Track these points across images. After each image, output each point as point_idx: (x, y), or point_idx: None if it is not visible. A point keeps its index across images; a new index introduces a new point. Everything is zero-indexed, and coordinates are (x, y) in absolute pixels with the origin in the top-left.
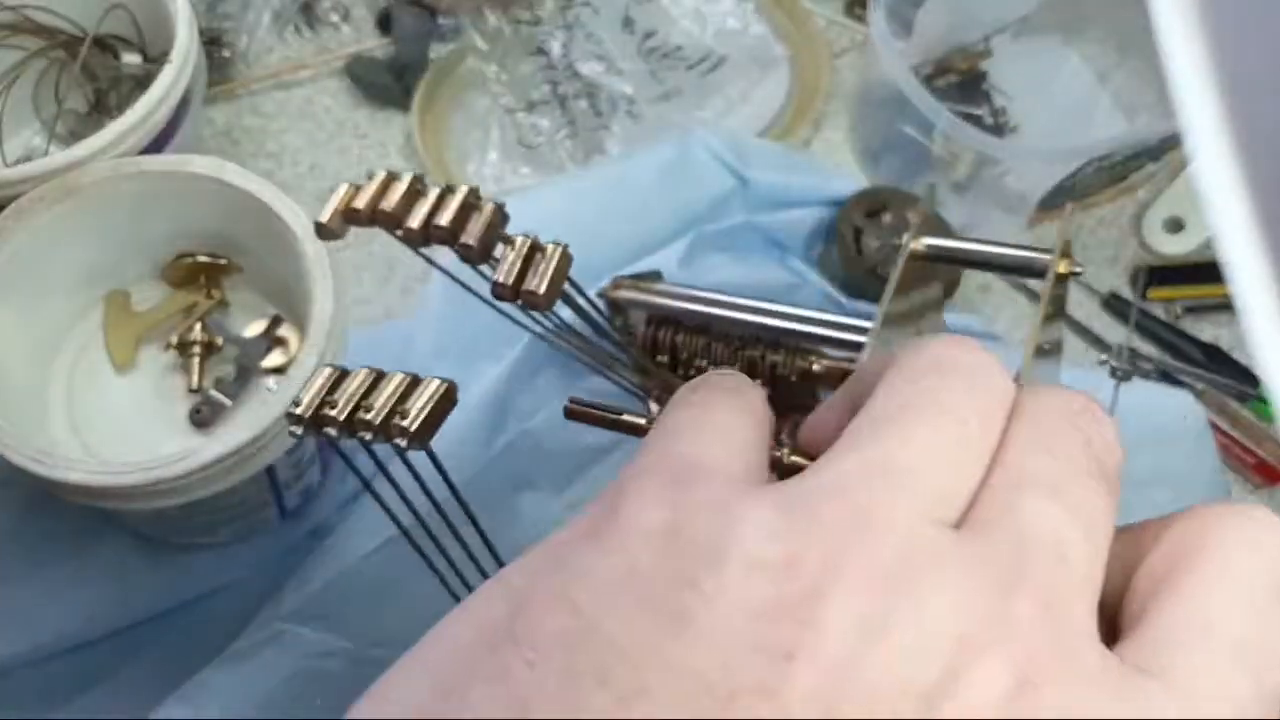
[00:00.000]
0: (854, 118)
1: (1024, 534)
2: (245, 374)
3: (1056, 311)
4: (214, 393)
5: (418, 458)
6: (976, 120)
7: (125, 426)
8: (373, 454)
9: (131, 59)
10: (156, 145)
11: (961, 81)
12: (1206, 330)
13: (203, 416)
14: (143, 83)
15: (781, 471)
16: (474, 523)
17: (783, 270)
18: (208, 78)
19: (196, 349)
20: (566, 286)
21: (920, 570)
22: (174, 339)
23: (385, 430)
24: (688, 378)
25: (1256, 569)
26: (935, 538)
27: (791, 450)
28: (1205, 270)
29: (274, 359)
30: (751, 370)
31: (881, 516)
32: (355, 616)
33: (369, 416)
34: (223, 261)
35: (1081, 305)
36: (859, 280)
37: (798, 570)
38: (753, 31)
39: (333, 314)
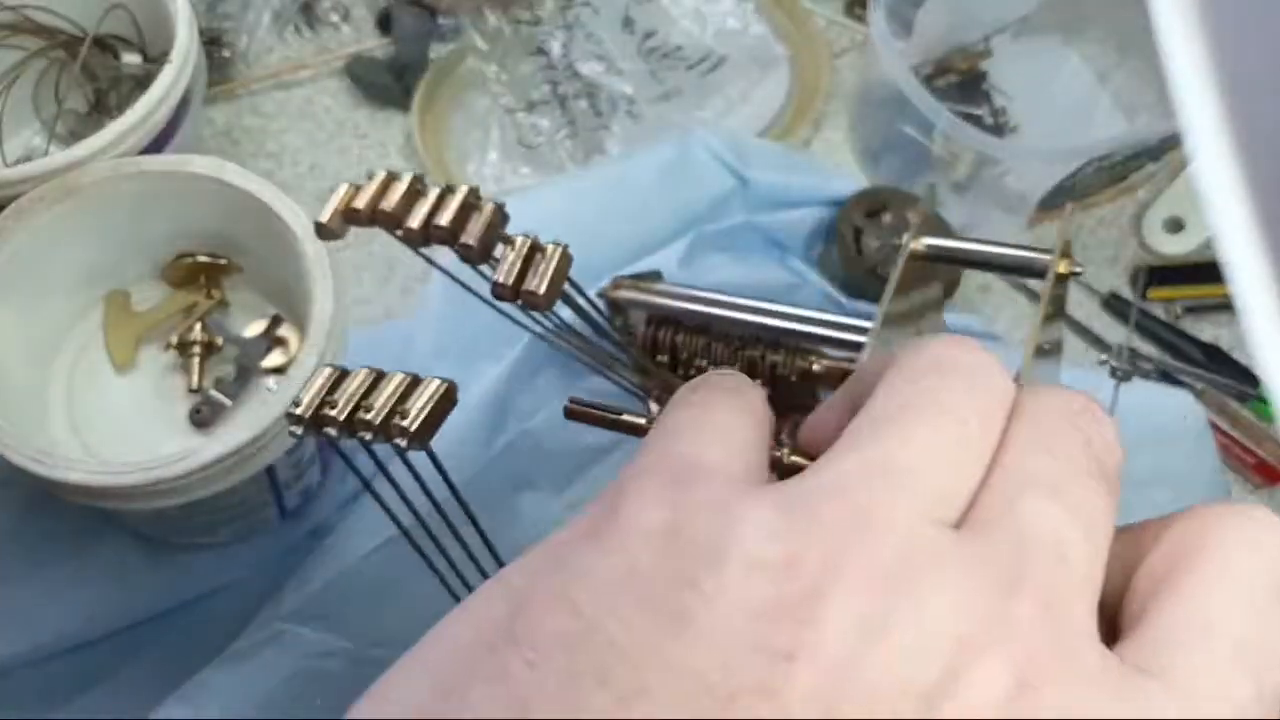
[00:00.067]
0: (854, 118)
1: (1024, 534)
2: (245, 374)
3: (1057, 311)
4: (214, 393)
5: (418, 458)
6: (976, 120)
7: (125, 426)
8: (373, 454)
9: (131, 59)
10: (156, 145)
11: (961, 81)
12: (1206, 330)
13: (203, 416)
14: (143, 83)
15: (781, 471)
16: (474, 522)
17: (783, 270)
18: (208, 78)
19: (196, 349)
20: (567, 287)
21: (920, 570)
22: (174, 339)
23: (385, 430)
24: (688, 377)
25: (1257, 569)
26: (935, 538)
27: (791, 450)
28: (1205, 270)
29: (274, 359)
30: (751, 370)
31: (881, 516)
32: (355, 616)
33: (369, 416)
34: (223, 261)
35: (1081, 305)
36: (859, 280)
37: (798, 570)
38: (753, 31)
39: (333, 314)
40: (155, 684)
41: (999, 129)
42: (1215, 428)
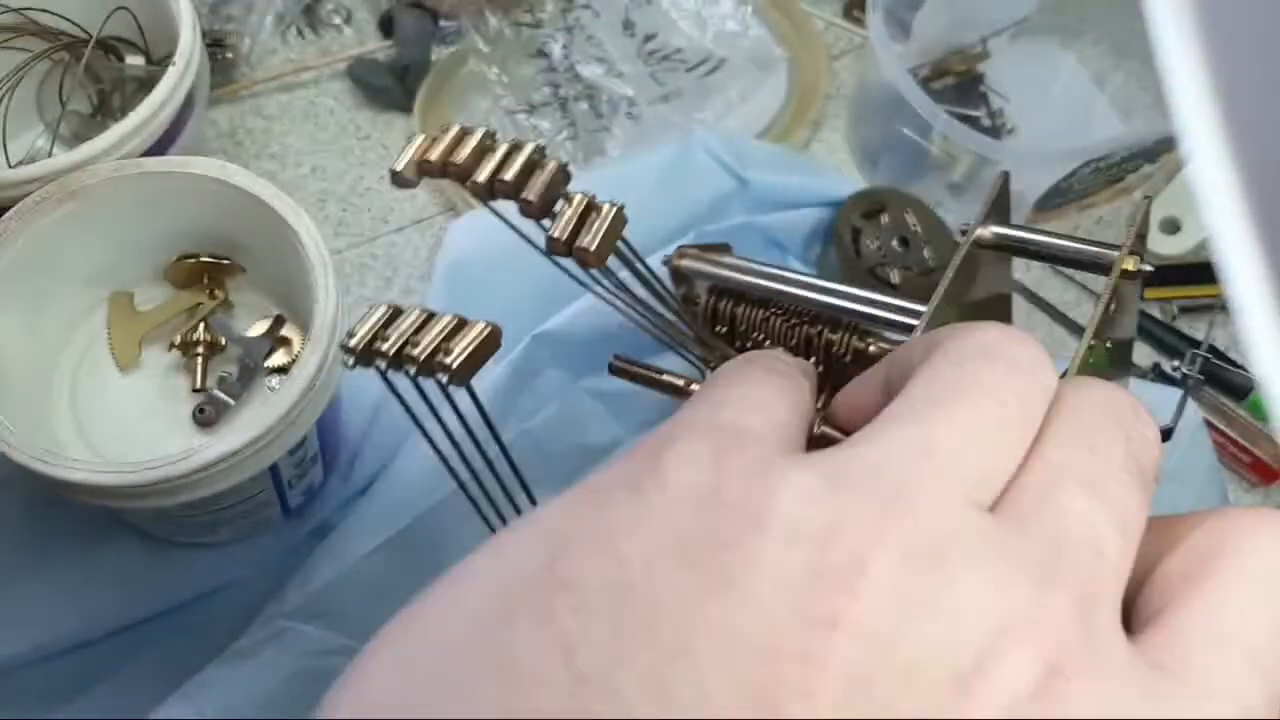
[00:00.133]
0: (852, 119)
1: (1063, 527)
2: (248, 373)
3: (1126, 308)
4: (217, 392)
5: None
6: (974, 122)
7: (129, 426)
8: (419, 387)
9: (135, 61)
10: (160, 147)
11: (959, 83)
12: (1203, 330)
13: (206, 416)
14: (146, 85)
15: (811, 442)
16: (513, 469)
17: None
18: (211, 80)
19: (200, 349)
20: (620, 246)
21: (959, 552)
22: (177, 339)
23: (429, 366)
24: (743, 350)
25: (1276, 575)
26: (974, 520)
27: (822, 420)
28: (1201, 270)
29: (277, 359)
30: (807, 346)
31: (922, 495)
32: (357, 615)
33: (415, 352)
34: (226, 262)
35: (1079, 305)
36: (857, 281)
37: (837, 540)
38: (752, 34)
39: (335, 314)
40: (156, 683)
41: (996, 130)
42: (1211, 427)
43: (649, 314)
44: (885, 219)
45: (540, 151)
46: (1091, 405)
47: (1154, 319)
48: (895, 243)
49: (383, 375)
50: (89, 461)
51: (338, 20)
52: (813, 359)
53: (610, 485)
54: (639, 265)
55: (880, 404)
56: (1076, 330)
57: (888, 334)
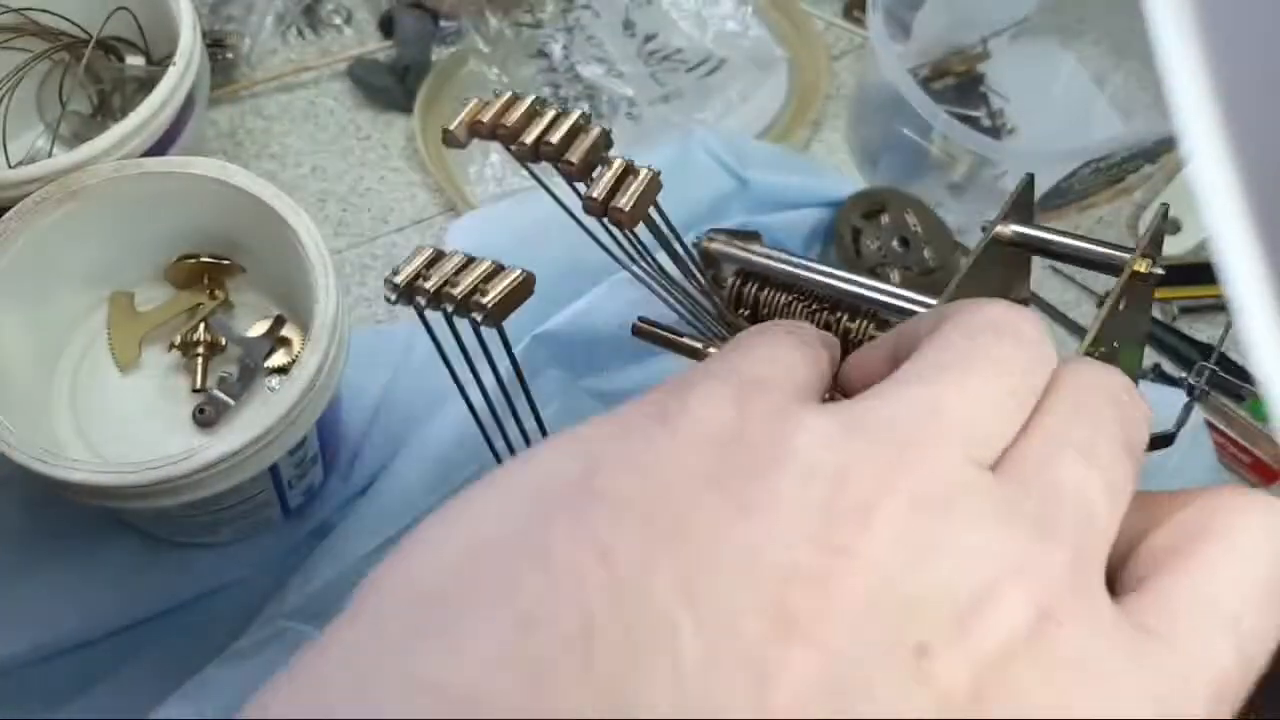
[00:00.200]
0: (852, 119)
1: (1059, 489)
2: (248, 374)
3: (1139, 308)
4: (217, 392)
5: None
6: (974, 122)
7: (129, 426)
8: (452, 325)
9: (135, 61)
10: (160, 147)
11: (959, 83)
12: (1203, 330)
13: (206, 416)
14: (146, 85)
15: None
16: (534, 412)
17: None
18: (211, 80)
19: (200, 349)
20: (652, 212)
21: (962, 502)
22: (177, 339)
23: (466, 305)
24: None
25: (1261, 555)
26: (977, 476)
27: (833, 385)
28: (1201, 271)
29: (277, 359)
30: (826, 331)
31: (930, 448)
32: None
33: (455, 292)
34: (226, 262)
35: (1079, 305)
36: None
37: (850, 481)
38: (752, 34)
39: (335, 314)
40: (156, 683)
41: (996, 131)
42: (1211, 427)
43: (677, 291)
44: (885, 219)
45: (585, 118)
46: (1089, 382)
47: (1155, 320)
48: (895, 243)
49: (420, 314)
50: (89, 461)
51: (338, 20)
52: None
53: (639, 415)
54: (676, 244)
55: (887, 371)
56: (1077, 330)
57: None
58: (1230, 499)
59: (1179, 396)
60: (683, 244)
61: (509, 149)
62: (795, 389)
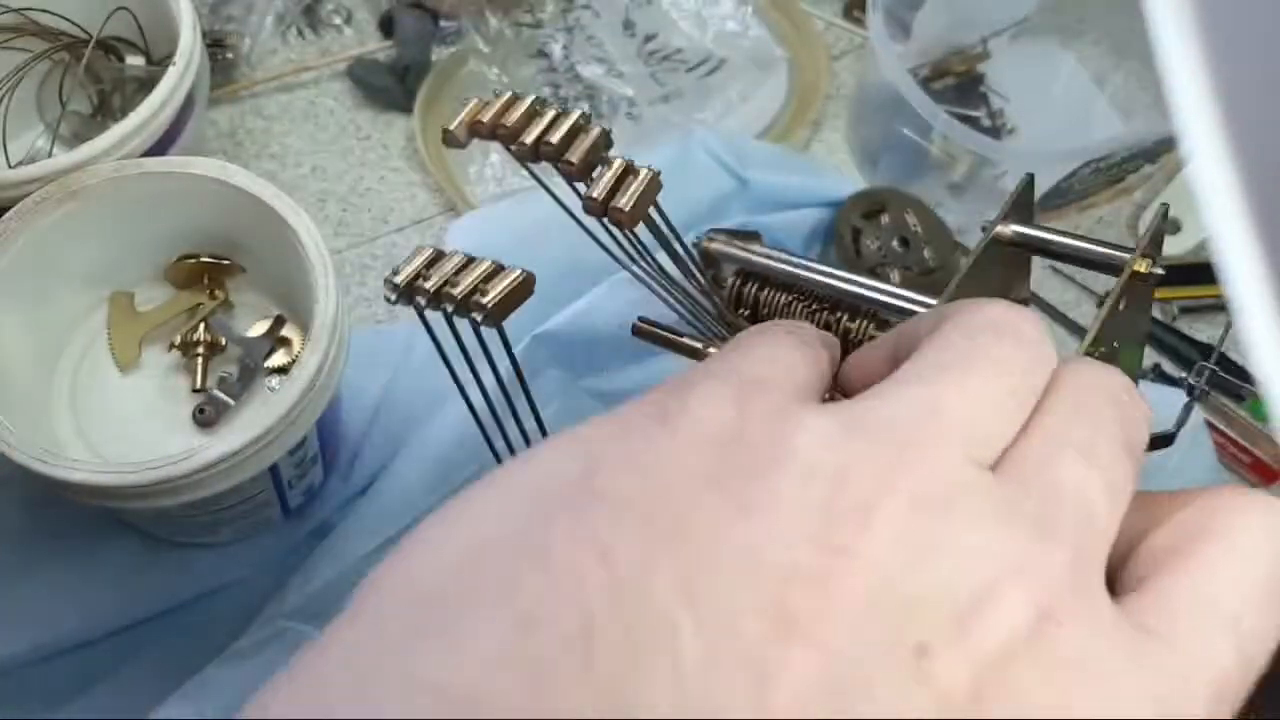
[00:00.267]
0: (852, 119)
1: (1059, 489)
2: (248, 374)
3: (1139, 308)
4: (217, 393)
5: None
6: (974, 122)
7: (129, 426)
8: (452, 325)
9: (135, 61)
10: (160, 147)
11: (959, 83)
12: (1203, 330)
13: (206, 416)
14: (146, 85)
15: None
16: (533, 410)
17: None
18: (211, 80)
19: (200, 349)
20: (652, 212)
21: (962, 502)
22: (177, 339)
23: (465, 305)
24: None
25: (1261, 556)
26: (977, 476)
27: (833, 385)
28: (1201, 271)
29: (277, 359)
30: (826, 332)
31: (930, 448)
32: None
33: (454, 292)
34: (226, 262)
35: (1079, 305)
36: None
37: (850, 481)
38: (752, 34)
39: (335, 314)
40: (156, 683)
41: (996, 131)
42: (1211, 427)
43: (677, 291)
44: (885, 219)
45: (585, 118)
46: (1089, 382)
47: (1155, 320)
48: (895, 243)
49: (420, 314)
50: (89, 461)
51: (338, 20)
52: None
53: (638, 415)
54: (676, 244)
55: (887, 371)
56: (1077, 330)
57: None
58: (1230, 499)
59: (1179, 396)
60: (683, 244)
61: (509, 149)
62: (795, 389)
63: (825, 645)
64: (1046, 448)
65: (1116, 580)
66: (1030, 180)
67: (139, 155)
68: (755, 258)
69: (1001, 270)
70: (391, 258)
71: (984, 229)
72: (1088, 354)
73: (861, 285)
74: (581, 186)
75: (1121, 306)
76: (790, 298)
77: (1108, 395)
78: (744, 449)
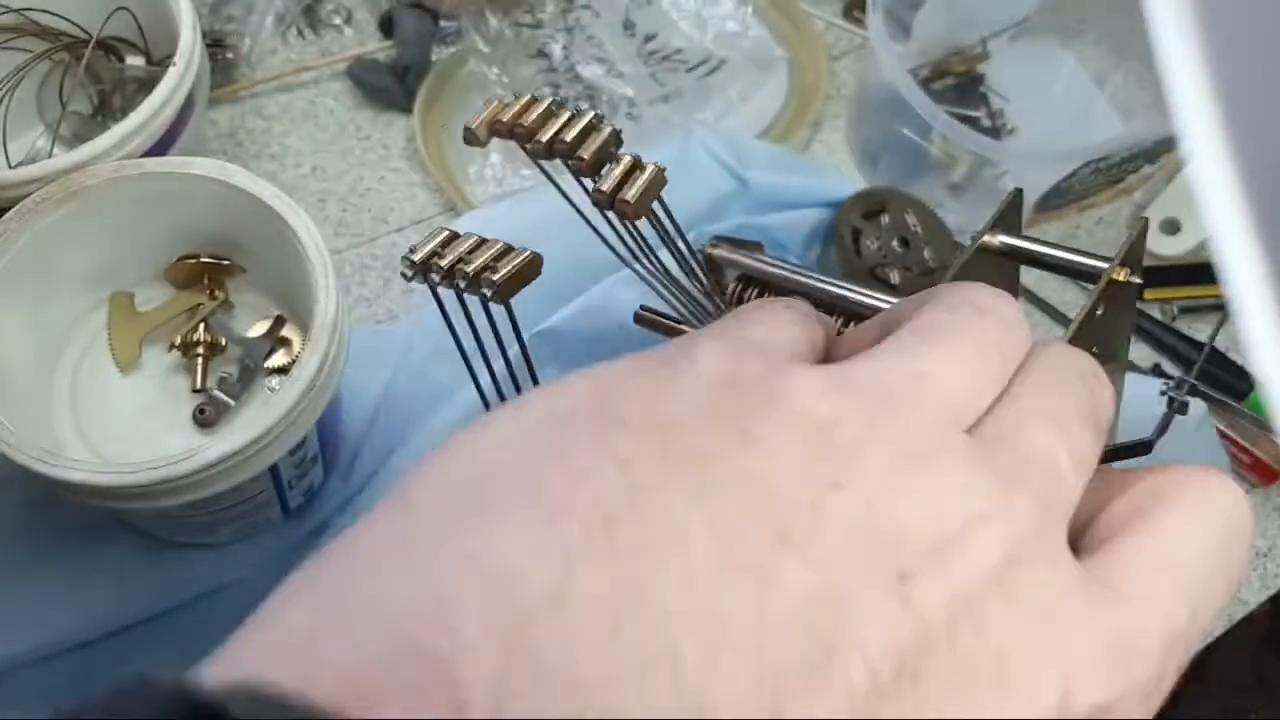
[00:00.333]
0: (852, 120)
1: (1029, 450)
2: (248, 374)
3: (1118, 315)
4: (217, 393)
5: None
6: (974, 122)
7: (129, 426)
8: (463, 302)
9: (135, 62)
10: (160, 147)
11: (959, 84)
12: (1202, 330)
13: (206, 416)
14: (146, 85)
15: None
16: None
17: None
18: (211, 80)
19: (200, 349)
20: (655, 207)
21: (941, 453)
22: (177, 339)
23: (476, 282)
24: None
25: (1212, 523)
26: (953, 434)
27: (826, 360)
28: (1201, 271)
29: (277, 359)
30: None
31: (912, 406)
32: None
33: (467, 269)
34: (226, 263)
35: (1079, 305)
36: (857, 282)
37: (839, 428)
38: (752, 34)
39: (335, 315)
40: None
41: (996, 131)
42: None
43: (678, 290)
44: (885, 219)
45: (598, 118)
46: (1060, 362)
47: (1154, 319)
48: (895, 243)
49: (433, 290)
50: (89, 462)
51: (338, 20)
52: None
53: (648, 359)
54: (679, 240)
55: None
56: None
57: None
58: (1186, 474)
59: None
60: (685, 242)
61: (524, 147)
62: (790, 353)
63: (818, 562)
64: (1019, 415)
65: (1079, 546)
66: (1018, 195)
67: (139, 155)
68: (753, 262)
69: (992, 277)
70: (391, 258)
71: (972, 239)
72: None
73: (859, 292)
74: (589, 184)
75: (1100, 313)
76: None
77: (1076, 373)
78: (744, 392)
